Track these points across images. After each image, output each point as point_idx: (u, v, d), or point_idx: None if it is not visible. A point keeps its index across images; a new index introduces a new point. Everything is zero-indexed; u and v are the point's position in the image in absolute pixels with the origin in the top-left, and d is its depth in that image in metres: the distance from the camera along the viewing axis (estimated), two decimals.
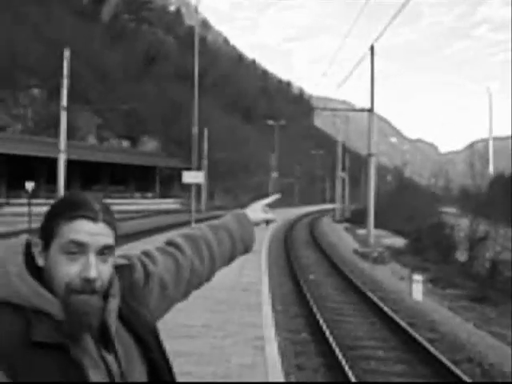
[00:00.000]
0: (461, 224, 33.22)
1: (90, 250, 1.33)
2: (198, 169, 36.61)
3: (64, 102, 28.49)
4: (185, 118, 59.78)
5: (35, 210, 29.03)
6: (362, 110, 30.82)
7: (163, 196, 67.16)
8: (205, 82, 73.73)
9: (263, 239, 25.93)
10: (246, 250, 2.01)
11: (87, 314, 1.32)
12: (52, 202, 1.45)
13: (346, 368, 8.11)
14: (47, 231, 1.37)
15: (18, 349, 1.26)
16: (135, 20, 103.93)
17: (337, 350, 9.02)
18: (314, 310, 12.27)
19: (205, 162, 57.59)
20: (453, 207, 48.48)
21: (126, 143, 72.98)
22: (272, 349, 7.68)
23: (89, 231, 1.34)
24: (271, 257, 21.49)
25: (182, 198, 61.99)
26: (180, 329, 8.20)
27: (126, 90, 71.83)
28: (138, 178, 65.74)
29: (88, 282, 1.32)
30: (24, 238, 1.45)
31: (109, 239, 1.38)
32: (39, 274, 1.37)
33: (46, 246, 1.36)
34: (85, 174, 55.95)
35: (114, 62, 77.58)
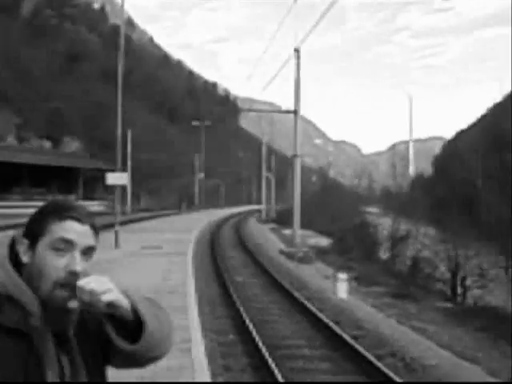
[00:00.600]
0: (383, 223, 34.16)
1: (76, 248, 1.48)
2: (123, 170, 35.98)
3: None
4: (109, 119, 58.65)
5: None
6: (288, 112, 31.17)
7: (87, 198, 65.53)
8: (130, 82, 72.50)
9: (189, 241, 25.76)
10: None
11: (68, 311, 1.47)
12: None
13: (273, 367, 8.14)
14: (36, 230, 1.49)
15: None
16: (58, 16, 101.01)
17: (263, 350, 9.04)
18: (241, 310, 12.26)
19: (129, 164, 56.70)
20: (376, 207, 49.84)
21: (47, 144, 70.83)
22: (199, 350, 7.61)
23: (76, 231, 1.49)
24: (197, 259, 21.37)
25: (106, 200, 60.74)
26: None
27: (48, 88, 69.80)
28: (61, 180, 63.87)
29: (73, 275, 1.44)
30: (11, 234, 1.56)
31: (92, 241, 1.52)
32: (19, 270, 1.48)
33: (32, 245, 1.48)
34: (4, 175, 53.88)
35: (35, 60, 75.16)
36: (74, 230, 1.48)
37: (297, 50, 27.81)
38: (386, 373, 8.07)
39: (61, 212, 1.50)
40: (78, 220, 1.50)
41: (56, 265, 1.45)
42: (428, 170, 79.27)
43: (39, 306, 1.45)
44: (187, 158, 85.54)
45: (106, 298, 1.42)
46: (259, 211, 71.60)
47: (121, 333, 1.50)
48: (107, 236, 22.40)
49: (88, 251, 1.51)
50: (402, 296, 18.06)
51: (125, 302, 1.46)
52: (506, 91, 73.64)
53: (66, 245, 1.47)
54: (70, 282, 1.44)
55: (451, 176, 47.84)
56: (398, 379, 7.83)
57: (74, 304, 1.45)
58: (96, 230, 1.55)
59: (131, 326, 1.50)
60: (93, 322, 1.55)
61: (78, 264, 1.46)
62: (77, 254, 1.47)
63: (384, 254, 31.70)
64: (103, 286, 1.43)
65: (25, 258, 1.48)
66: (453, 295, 23.12)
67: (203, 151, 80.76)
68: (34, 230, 1.50)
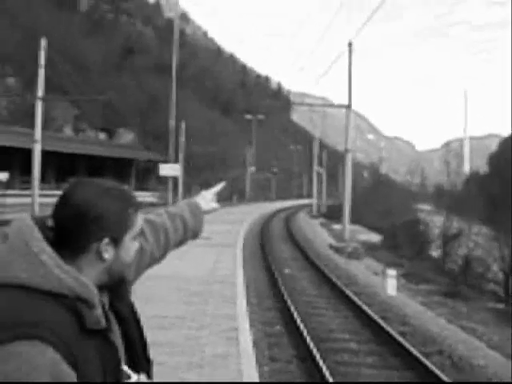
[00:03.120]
0: (435, 221, 33.66)
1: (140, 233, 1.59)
2: (175, 162, 36.52)
3: (40, 92, 28.18)
4: (162, 111, 59.46)
5: (9, 201, 28.80)
6: (340, 106, 31.00)
7: (140, 189, 66.66)
8: (183, 76, 73.39)
9: (238, 233, 25.97)
10: (195, 236, 2.18)
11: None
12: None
13: (319, 359, 8.21)
14: (119, 225, 1.44)
15: (73, 337, 1.27)
16: (114, 11, 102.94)
17: (310, 343, 9.12)
18: (289, 303, 12.36)
19: (181, 155, 57.42)
20: (428, 204, 49.04)
21: (102, 135, 72.37)
22: (245, 340, 7.74)
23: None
24: (247, 250, 21.55)
25: (158, 191, 61.65)
26: (154, 320, 8.21)
27: (104, 81, 71.18)
28: (115, 171, 65.16)
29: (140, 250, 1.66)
30: (27, 221, 1.40)
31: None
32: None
33: (115, 240, 1.44)
34: (60, 165, 55.32)
35: (92, 53, 76.81)
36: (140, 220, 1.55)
37: (350, 44, 27.62)
38: (432, 370, 8.03)
39: (135, 204, 1.51)
40: (139, 210, 1.56)
41: (135, 250, 1.54)
42: (484, 168, 77.43)
43: (106, 299, 1.48)
44: (239, 150, 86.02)
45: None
46: (310, 205, 71.42)
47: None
48: None
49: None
50: (452, 295, 17.83)
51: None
52: None
53: (141, 233, 1.61)
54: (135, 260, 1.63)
55: (507, 174, 46.63)
56: (444, 377, 7.79)
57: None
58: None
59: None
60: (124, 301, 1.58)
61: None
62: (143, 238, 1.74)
63: (435, 252, 31.26)
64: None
65: (107, 256, 1.43)
66: (505, 296, 22.65)
67: (255, 145, 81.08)
68: (118, 224, 1.44)
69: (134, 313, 1.59)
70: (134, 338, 1.53)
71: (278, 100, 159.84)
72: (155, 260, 1.96)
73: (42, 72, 27.97)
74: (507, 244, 24.23)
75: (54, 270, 1.32)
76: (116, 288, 1.53)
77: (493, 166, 70.20)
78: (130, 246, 1.49)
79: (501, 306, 19.27)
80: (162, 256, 2.01)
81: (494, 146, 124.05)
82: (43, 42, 27.83)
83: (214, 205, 2.29)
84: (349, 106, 28.10)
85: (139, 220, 1.52)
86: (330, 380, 7.45)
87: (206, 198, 2.26)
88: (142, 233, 1.78)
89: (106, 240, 1.41)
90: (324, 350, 9.22)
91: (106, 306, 1.47)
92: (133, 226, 1.48)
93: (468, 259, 26.32)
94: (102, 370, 1.32)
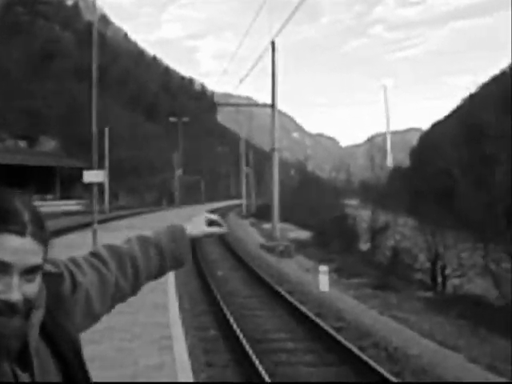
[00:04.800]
0: (362, 215, 34.32)
1: (14, 271, 1.15)
2: (100, 168, 35.62)
3: None
4: (85, 117, 58.07)
5: None
6: (265, 106, 31.11)
7: (64, 197, 64.95)
8: (105, 80, 71.93)
9: None
10: (179, 265, 1.85)
11: (4, 336, 1.14)
12: None
13: (256, 362, 8.08)
14: None
15: None
16: (30, 13, 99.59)
17: (246, 345, 8.99)
18: (222, 305, 12.19)
19: (106, 161, 56.25)
20: (354, 199, 50.00)
21: (23, 143, 69.94)
22: (180, 348, 7.53)
23: (14, 249, 1.14)
24: None
25: (84, 199, 60.17)
26: (82, 334, 7.85)
27: (22, 87, 68.83)
28: (38, 180, 63.19)
29: (8, 306, 1.14)
30: None
31: (37, 258, 1.19)
32: None
33: None
34: None
35: (9, 58, 74.11)
36: (9, 249, 1.14)
37: (273, 43, 27.74)
38: (369, 364, 8.06)
39: None
40: (16, 232, 1.16)
41: None
42: (406, 161, 79.73)
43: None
44: (165, 154, 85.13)
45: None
46: (239, 206, 71.53)
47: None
48: (86, 235, 22.14)
49: (33, 270, 1.18)
50: (382, 287, 18.14)
51: None
52: (480, 82, 74.42)
53: (1, 267, 1.14)
54: (4, 311, 1.14)
55: (428, 167, 48.21)
56: (380, 369, 7.82)
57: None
58: (44, 239, 1.22)
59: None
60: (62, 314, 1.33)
61: (15, 292, 1.14)
62: (15, 279, 1.15)
63: (364, 246, 31.85)
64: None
65: None
66: (433, 284, 23.30)
67: (181, 147, 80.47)
68: None
69: (78, 353, 1.33)
70: (76, 380, 1.29)
71: (202, 102, 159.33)
72: (123, 291, 1.65)
73: None
74: (432, 234, 24.94)
75: None
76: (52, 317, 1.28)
77: (414, 160, 72.35)
78: None
79: (429, 294, 19.81)
80: (134, 287, 1.69)
81: (414, 139, 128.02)
82: None
83: (206, 228, 1.93)
84: (273, 105, 28.22)
85: None
86: (269, 380, 7.33)
87: (198, 222, 1.94)
88: (75, 263, 1.53)
89: None
90: (261, 351, 9.11)
91: (33, 335, 1.23)
92: None
93: (396, 251, 26.94)
94: None
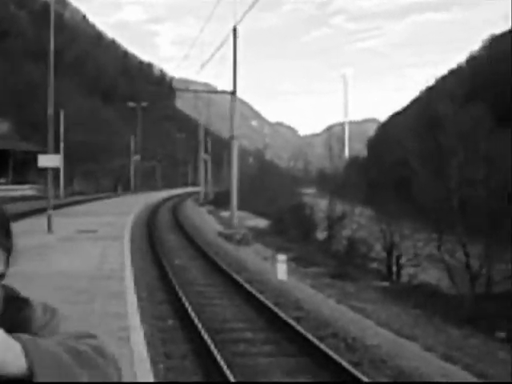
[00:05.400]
0: (320, 204, 34.52)
1: None
2: (55, 152, 34.85)
3: None
4: (40, 99, 56.69)
5: None
6: (225, 92, 30.84)
7: (17, 182, 63.45)
8: (62, 62, 70.27)
9: (126, 224, 25.25)
10: None
11: None
12: None
13: (215, 352, 7.99)
14: None
15: None
16: None
17: (204, 335, 8.88)
18: (180, 294, 12.04)
19: (61, 145, 55.11)
20: (312, 188, 50.30)
21: None
22: (138, 338, 7.38)
23: None
24: (134, 242, 20.92)
25: (38, 183, 58.90)
26: None
27: None
28: None
29: None
30: None
31: None
32: None
33: None
34: None
35: None
36: None
37: (235, 29, 27.49)
38: (329, 354, 8.05)
39: None
40: None
41: None
42: (363, 151, 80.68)
43: None
44: (123, 139, 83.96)
45: None
46: (196, 193, 71.16)
47: None
48: (40, 221, 21.66)
49: None
50: (340, 276, 18.27)
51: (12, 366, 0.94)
52: (439, 75, 75.65)
53: None
54: None
55: (385, 157, 48.81)
56: (340, 360, 7.82)
57: None
58: (7, 248, 1.10)
59: None
60: None
61: None
62: None
63: (321, 235, 32.06)
64: None
65: None
66: (388, 274, 23.63)
67: (139, 133, 79.47)
68: None
69: None
70: None
71: (161, 87, 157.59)
72: None
73: None
74: (387, 224, 25.25)
75: None
76: None
77: (371, 150, 73.25)
78: None
79: (385, 283, 20.05)
80: None
81: (371, 130, 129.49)
82: None
83: None
84: (234, 92, 28.01)
85: None
86: (227, 371, 7.24)
87: None
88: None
89: None
90: (219, 341, 9.01)
91: None
92: None
93: (352, 240, 27.21)
94: None
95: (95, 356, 1.04)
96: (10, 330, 1.05)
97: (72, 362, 1.01)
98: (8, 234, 1.11)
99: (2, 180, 62.72)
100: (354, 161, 63.13)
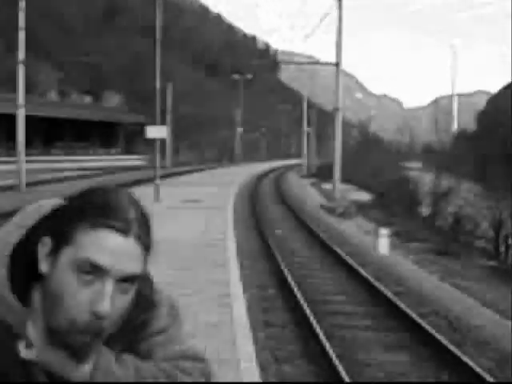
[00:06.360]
0: (425, 179, 33.60)
1: (110, 276, 1.00)
2: (162, 124, 35.99)
3: (20, 55, 27.45)
4: (148, 73, 58.56)
5: None
6: (329, 64, 30.51)
7: (127, 152, 66.28)
8: (168, 36, 72.06)
9: (229, 195, 25.77)
10: None
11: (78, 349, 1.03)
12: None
13: (314, 323, 8.06)
14: (60, 232, 1.03)
15: None
16: None
17: (304, 306, 8.97)
18: (282, 265, 12.19)
19: (168, 117, 56.77)
20: (417, 163, 49.03)
21: (88, 98, 71.39)
22: (239, 306, 7.57)
23: (113, 249, 1.01)
24: (237, 212, 21.34)
25: (146, 154, 61.19)
26: None
27: (88, 43, 69.89)
28: (102, 134, 64.60)
29: (96, 317, 0.99)
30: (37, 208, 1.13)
31: (136, 266, 1.04)
32: (38, 278, 1.05)
33: (56, 249, 1.03)
34: (47, 130, 54.62)
35: (74, 14, 75.17)
36: (108, 248, 1.00)
37: (339, 0, 27.01)
38: (429, 332, 7.91)
39: (95, 215, 1.02)
40: (120, 231, 1.02)
41: (78, 298, 1.00)
42: (472, 125, 77.42)
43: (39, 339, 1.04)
44: (227, 111, 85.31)
45: None
46: (299, 165, 71.27)
47: None
48: (147, 190, 22.54)
49: (129, 280, 1.03)
50: (443, 253, 17.78)
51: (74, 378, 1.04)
52: None
53: (96, 270, 1.00)
54: (89, 328, 1.00)
55: (496, 131, 46.57)
56: (442, 339, 7.67)
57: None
58: (147, 246, 1.07)
59: None
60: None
61: (106, 302, 0.99)
62: (108, 286, 1.00)
63: (425, 210, 31.26)
64: None
65: (43, 267, 1.04)
66: (495, 253, 22.70)
67: (243, 105, 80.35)
68: (58, 231, 1.04)
69: None
70: None
71: (265, 60, 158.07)
72: None
73: (22, 34, 27.23)
74: (497, 201, 24.19)
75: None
76: None
77: (480, 124, 70.12)
78: (66, 277, 1.00)
79: (492, 262, 19.30)
80: None
81: (482, 103, 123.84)
82: (22, 4, 26.99)
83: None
84: (338, 64, 27.64)
85: (88, 246, 1.01)
86: (326, 343, 7.29)
87: None
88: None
89: (47, 241, 1.04)
90: (319, 312, 9.07)
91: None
92: (73, 244, 1.01)
93: (458, 217, 26.32)
94: None
95: None
96: (129, 330, 1.13)
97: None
98: (148, 231, 1.09)
99: (113, 150, 65.71)
100: (462, 134, 60.85)
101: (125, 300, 1.04)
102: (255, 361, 5.78)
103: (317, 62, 76.42)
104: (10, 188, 28.08)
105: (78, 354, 1.03)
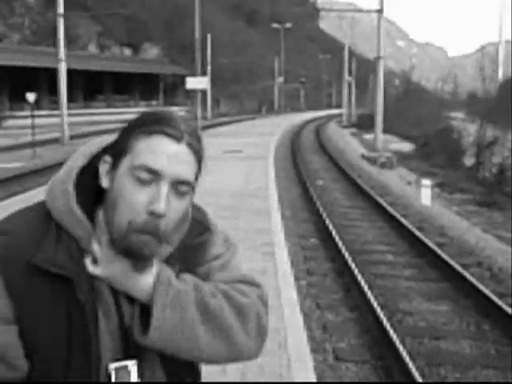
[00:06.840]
0: (469, 129, 32.88)
1: (165, 178, 1.09)
2: (202, 75, 35.92)
3: (60, 8, 27.54)
4: (187, 24, 58.11)
5: (38, 121, 28.96)
6: (370, 11, 29.75)
7: (168, 104, 66.38)
8: None
9: (270, 145, 25.73)
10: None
11: (143, 256, 1.11)
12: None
13: (356, 272, 8.12)
14: (120, 146, 1.13)
15: (20, 266, 1.10)
16: None
17: (346, 255, 9.02)
18: (323, 215, 12.23)
19: (208, 68, 56.47)
20: (461, 112, 47.91)
21: (127, 51, 71.36)
22: (282, 254, 7.66)
23: (168, 152, 1.09)
24: (278, 162, 21.35)
25: (186, 105, 61.26)
26: None
27: None
28: (142, 87, 64.78)
29: (153, 217, 1.08)
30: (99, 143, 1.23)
31: (190, 172, 1.12)
32: (101, 196, 1.17)
33: (115, 165, 1.13)
34: (88, 83, 55.05)
35: None
36: (163, 152, 1.09)
37: None
38: (472, 282, 7.89)
39: (150, 124, 1.11)
40: (173, 137, 1.10)
41: (135, 199, 1.09)
42: None
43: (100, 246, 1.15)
44: (266, 61, 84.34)
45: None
46: (339, 115, 70.45)
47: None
48: None
49: (182, 187, 1.12)
50: (487, 204, 17.51)
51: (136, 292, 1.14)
52: None
53: (152, 174, 1.09)
54: (147, 226, 1.09)
55: None
56: (484, 289, 7.64)
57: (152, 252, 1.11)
58: (199, 153, 1.15)
59: None
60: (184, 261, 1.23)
61: (163, 201, 1.08)
62: (164, 188, 1.09)
63: (468, 161, 30.70)
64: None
65: (105, 182, 1.14)
66: None
67: (283, 55, 79.29)
68: (118, 146, 1.14)
69: None
70: None
71: (305, 7, 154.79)
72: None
73: None
74: None
75: (55, 186, 1.17)
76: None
77: None
78: (125, 183, 1.10)
79: None
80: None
81: None
82: None
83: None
84: (380, 11, 26.92)
85: (143, 151, 1.10)
86: (368, 291, 7.35)
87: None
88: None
89: (107, 159, 1.16)
90: (360, 262, 9.12)
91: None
92: (130, 152, 1.11)
93: (502, 167, 25.79)
94: (65, 331, 1.11)
95: (228, 314, 1.16)
96: (186, 252, 1.23)
97: (195, 314, 1.14)
98: (199, 140, 1.17)
99: (154, 102, 65.93)
100: (508, 83, 58.98)
101: (180, 204, 1.13)
102: (299, 307, 5.89)
103: (357, 10, 74.55)
104: (54, 141, 28.64)
105: (140, 262, 1.12)
